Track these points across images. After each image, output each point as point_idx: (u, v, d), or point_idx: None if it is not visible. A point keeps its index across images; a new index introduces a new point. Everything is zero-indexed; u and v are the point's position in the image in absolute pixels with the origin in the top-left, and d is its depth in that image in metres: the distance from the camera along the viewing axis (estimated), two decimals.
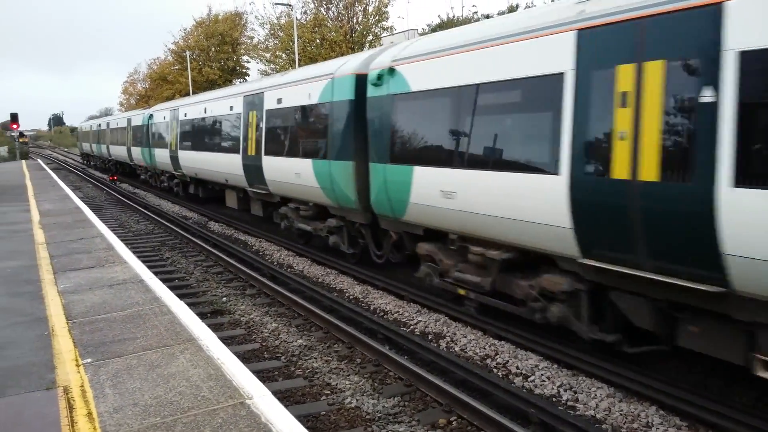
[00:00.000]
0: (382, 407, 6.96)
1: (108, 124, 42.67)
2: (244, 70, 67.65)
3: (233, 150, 17.60)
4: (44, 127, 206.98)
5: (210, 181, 21.59)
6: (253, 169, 16.04)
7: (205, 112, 20.52)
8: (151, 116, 28.98)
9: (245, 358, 8.23)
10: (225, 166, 18.36)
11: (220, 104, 19.25)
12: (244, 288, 12.39)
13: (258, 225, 18.94)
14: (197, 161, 21.51)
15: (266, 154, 15.14)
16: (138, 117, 32.25)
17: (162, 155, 26.55)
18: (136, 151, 32.10)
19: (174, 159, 24.59)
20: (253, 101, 16.24)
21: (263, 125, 15.36)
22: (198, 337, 6.53)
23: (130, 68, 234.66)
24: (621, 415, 6.55)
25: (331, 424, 6.64)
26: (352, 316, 10.04)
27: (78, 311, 7.61)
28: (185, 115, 23.23)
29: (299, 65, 38.41)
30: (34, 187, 27.24)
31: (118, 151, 38.35)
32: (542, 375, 7.57)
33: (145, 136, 29.59)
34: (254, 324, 10.08)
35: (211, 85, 57.62)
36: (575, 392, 7.10)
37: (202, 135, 20.94)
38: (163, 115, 26.57)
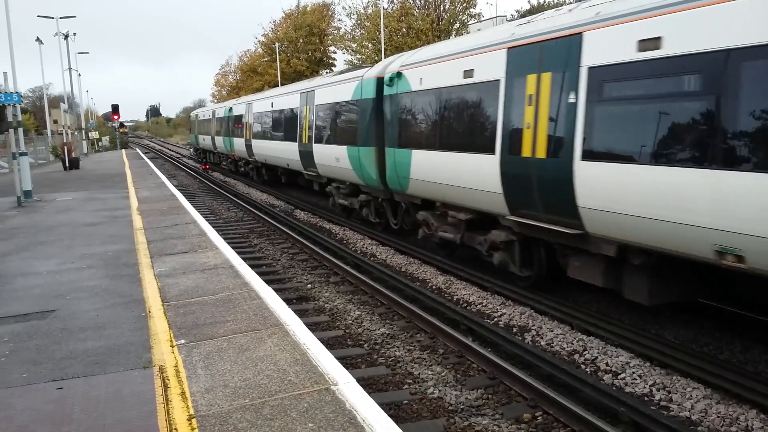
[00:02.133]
0: (465, 399, 6.90)
1: (250, 106, 27.97)
2: (330, 61, 68.72)
3: None
4: (142, 118, 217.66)
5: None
6: None
7: None
8: (394, 79, 13.40)
9: (329, 345, 8.33)
10: None
11: None
12: (329, 275, 12.57)
13: (342, 214, 19.17)
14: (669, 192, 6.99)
15: None
16: (335, 89, 17.03)
17: (446, 171, 11.46)
18: (326, 153, 17.31)
19: (522, 183, 9.41)
20: None
21: None
22: (285, 323, 6.67)
23: (222, 60, 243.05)
24: (718, 417, 6.22)
25: (414, 413, 6.63)
26: (435, 306, 10.00)
27: (173, 294, 7.94)
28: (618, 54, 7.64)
29: (385, 56, 38.53)
30: (133, 175, 28.69)
31: (273, 150, 23.58)
32: (633, 373, 7.28)
33: (364, 124, 14.75)
34: (338, 311, 10.22)
35: (298, 76, 58.72)
36: (669, 392, 6.79)
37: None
38: (454, 69, 11.15)
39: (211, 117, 39.91)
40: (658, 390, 6.86)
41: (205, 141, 43.30)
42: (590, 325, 8.67)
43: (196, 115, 50.69)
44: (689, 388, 6.80)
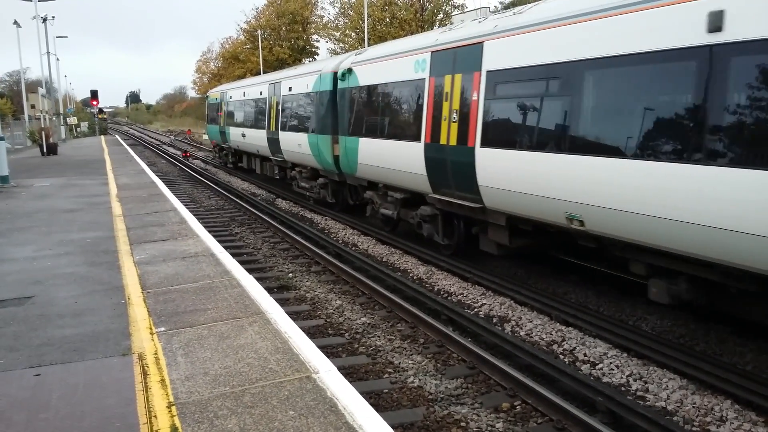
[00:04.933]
0: (445, 388, 6.95)
1: (476, 53, 10.10)
2: (313, 50, 68.36)
3: None
4: (122, 104, 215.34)
5: None
6: None
7: None
8: None
9: (310, 334, 8.34)
10: None
11: None
12: (310, 265, 12.55)
13: (324, 204, 19.12)
14: None
15: None
16: None
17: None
18: None
19: None
20: None
21: None
22: (266, 311, 6.65)
23: (204, 47, 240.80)
24: (693, 407, 6.32)
25: (394, 402, 6.67)
26: (416, 296, 10.03)
27: (152, 281, 7.87)
28: None
29: (368, 44, 38.39)
30: (112, 162, 28.35)
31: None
32: (611, 363, 7.37)
33: None
34: (319, 300, 10.22)
35: (281, 64, 58.32)
36: (645, 382, 6.89)
37: None
38: None
39: (266, 96, 22.07)
40: (635, 380, 6.96)
41: (246, 140, 24.88)
42: (569, 316, 8.75)
43: (225, 94, 29.62)
44: (665, 379, 6.91)
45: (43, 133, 34.49)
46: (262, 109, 22.52)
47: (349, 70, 15.19)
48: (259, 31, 64.25)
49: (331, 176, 17.07)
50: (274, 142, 21.04)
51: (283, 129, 19.99)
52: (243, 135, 25.24)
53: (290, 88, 19.68)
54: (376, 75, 13.88)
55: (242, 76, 57.35)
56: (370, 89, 14.16)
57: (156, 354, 5.51)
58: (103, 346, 5.74)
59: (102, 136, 62.70)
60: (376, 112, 13.86)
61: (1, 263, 9.04)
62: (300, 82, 18.82)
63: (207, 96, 36.16)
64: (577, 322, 8.58)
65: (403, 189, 13.06)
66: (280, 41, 67.59)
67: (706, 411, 6.25)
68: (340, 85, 15.70)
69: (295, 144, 18.73)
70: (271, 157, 22.14)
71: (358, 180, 15.40)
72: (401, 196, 13.21)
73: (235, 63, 72.19)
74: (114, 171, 23.75)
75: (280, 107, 20.39)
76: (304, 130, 17.89)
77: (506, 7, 39.52)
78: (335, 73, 16.16)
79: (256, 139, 23.34)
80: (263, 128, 22.17)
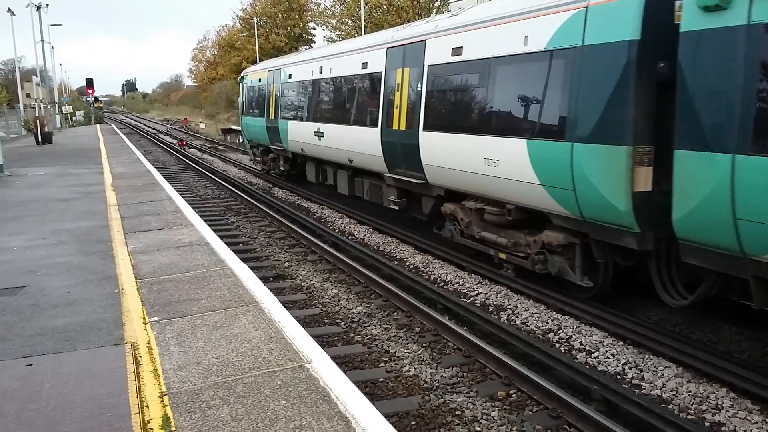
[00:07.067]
0: (441, 377, 6.93)
1: None
2: (310, 37, 68.09)
3: None
4: (117, 93, 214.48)
5: None
6: None
7: None
8: None
9: (306, 323, 8.32)
10: None
11: None
12: (306, 254, 12.51)
13: (320, 192, 19.06)
14: None
15: None
16: None
17: None
18: None
19: None
20: None
21: None
22: (260, 300, 6.61)
23: (200, 35, 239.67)
24: (689, 395, 6.31)
25: (389, 391, 6.64)
26: (412, 285, 10.00)
27: (146, 271, 7.83)
28: None
29: (365, 32, 38.18)
30: (108, 151, 28.24)
31: None
32: (607, 351, 7.36)
33: None
34: (315, 290, 10.19)
35: (277, 52, 58.04)
36: (641, 371, 6.87)
37: None
38: None
39: (381, 69, 13.08)
40: (631, 368, 6.94)
41: (324, 142, 16.19)
42: (565, 305, 8.73)
43: (277, 73, 20.41)
44: (661, 367, 6.90)
45: (38, 122, 34.32)
46: (367, 91, 14.10)
47: None
48: (255, 19, 63.93)
49: (604, 236, 7.90)
50: (401, 149, 12.31)
51: (428, 127, 11.28)
52: (318, 134, 16.48)
53: (455, 51, 10.56)
54: None
55: (238, 65, 57.08)
56: None
57: (149, 343, 5.48)
58: (96, 336, 5.70)
59: (98, 125, 62.42)
60: None
61: None
62: (491, 36, 9.65)
63: (242, 78, 25.72)
64: (573, 311, 8.56)
65: None
66: (277, 29, 67.28)
67: (701, 399, 6.24)
68: (710, 22, 5.96)
69: (474, 158, 9.82)
70: (387, 174, 13.15)
71: None
72: None
73: (231, 51, 72.02)
74: (109, 160, 23.65)
75: (422, 88, 11.49)
76: (512, 132, 9.06)
77: None
78: (651, 2, 6.91)
79: (349, 141, 14.77)
80: (367, 124, 13.66)
